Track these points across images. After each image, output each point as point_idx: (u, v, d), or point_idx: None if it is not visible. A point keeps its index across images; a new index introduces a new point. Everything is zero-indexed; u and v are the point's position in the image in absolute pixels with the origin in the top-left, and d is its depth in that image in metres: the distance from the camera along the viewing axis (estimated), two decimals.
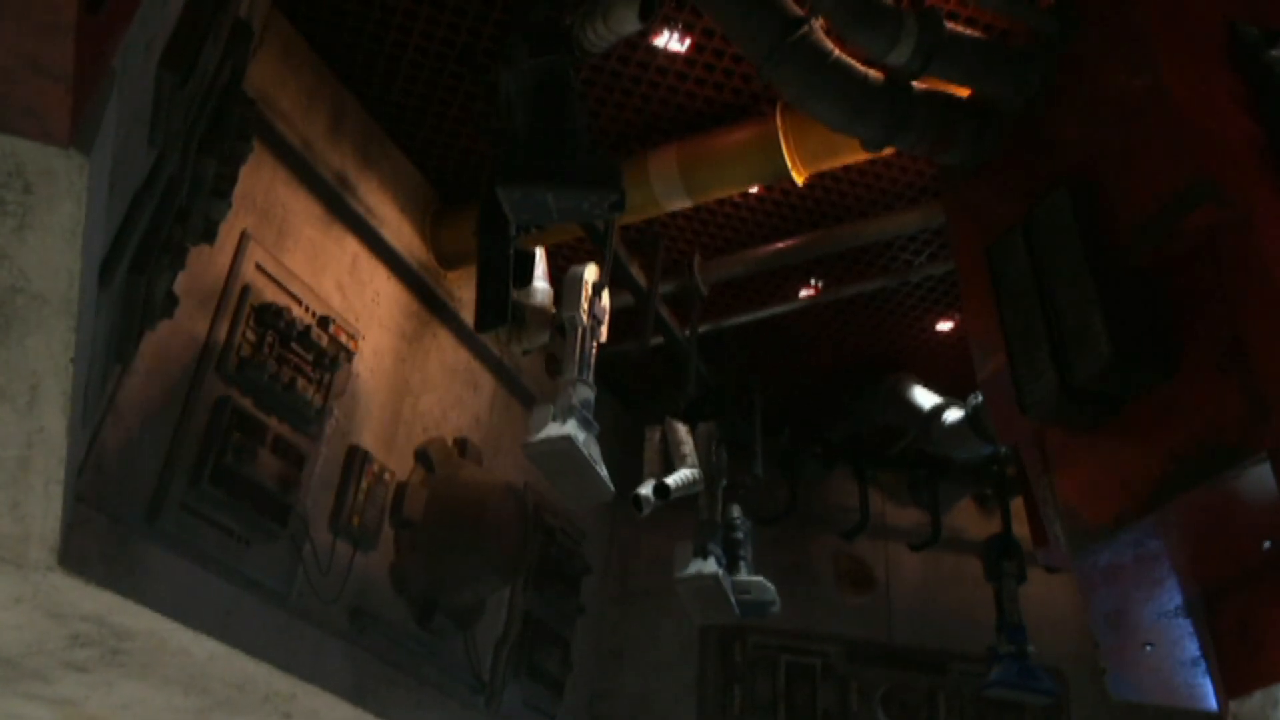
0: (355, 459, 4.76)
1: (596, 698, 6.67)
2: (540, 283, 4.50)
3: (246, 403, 4.14)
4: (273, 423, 4.25)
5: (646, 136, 5.09)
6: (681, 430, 5.20)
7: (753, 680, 6.80)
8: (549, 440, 3.87)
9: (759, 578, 5.49)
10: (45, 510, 2.95)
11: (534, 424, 3.95)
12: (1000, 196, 3.84)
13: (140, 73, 2.31)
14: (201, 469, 3.91)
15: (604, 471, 4.02)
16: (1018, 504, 6.67)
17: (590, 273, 4.31)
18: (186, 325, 3.95)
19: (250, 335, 4.21)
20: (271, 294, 4.37)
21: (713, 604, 5.14)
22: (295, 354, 4.38)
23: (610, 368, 4.34)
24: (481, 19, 4.52)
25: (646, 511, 4.73)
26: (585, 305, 4.21)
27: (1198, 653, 3.37)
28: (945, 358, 6.67)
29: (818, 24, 3.71)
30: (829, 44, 3.72)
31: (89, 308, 2.40)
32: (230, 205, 3.72)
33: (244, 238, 4.26)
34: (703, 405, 5.65)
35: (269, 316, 4.28)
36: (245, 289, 4.23)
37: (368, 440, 4.88)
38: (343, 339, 4.67)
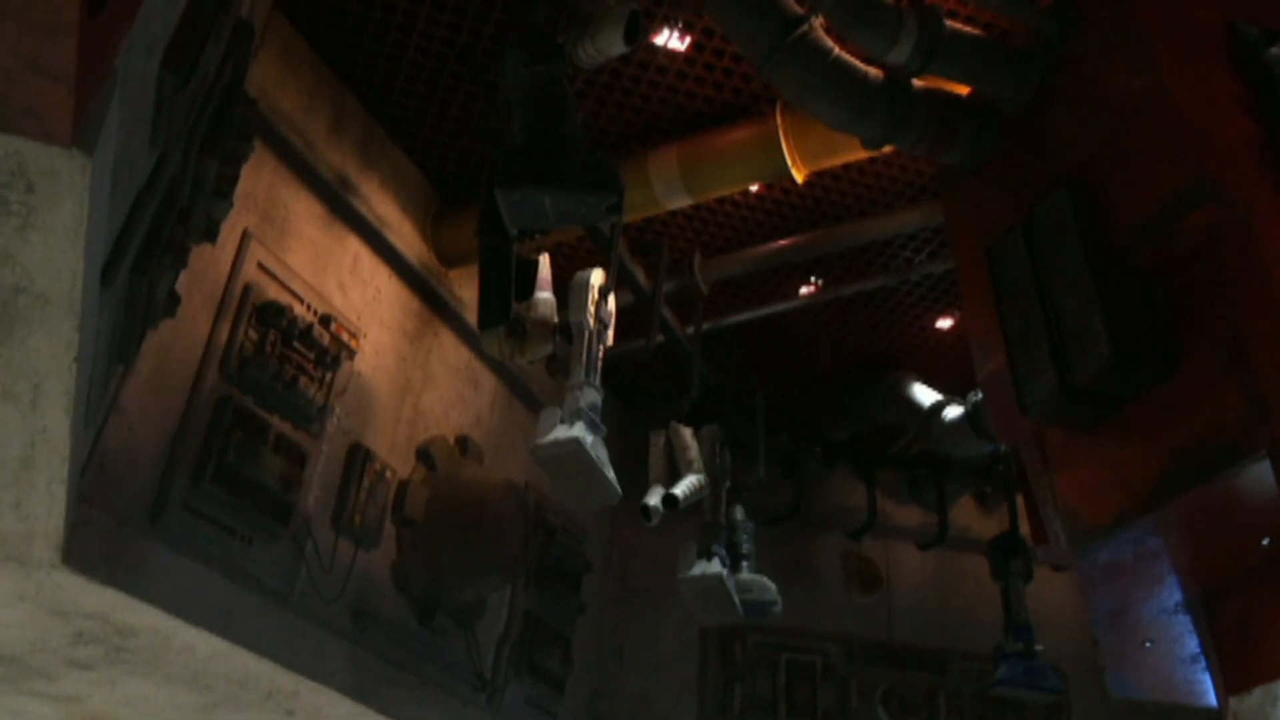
0: (357, 458, 4.77)
1: (597, 696, 6.68)
2: (542, 293, 4.51)
3: (248, 402, 4.15)
4: (275, 421, 4.26)
5: (646, 136, 5.09)
6: (686, 435, 5.25)
7: (753, 679, 6.81)
8: (557, 443, 3.88)
9: (761, 577, 5.52)
10: (49, 509, 2.97)
11: (541, 427, 3.97)
12: (1000, 196, 3.84)
13: (142, 73, 2.32)
14: (204, 468, 3.92)
15: (611, 474, 4.04)
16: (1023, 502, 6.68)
17: (596, 277, 4.34)
18: (189, 325, 3.96)
19: (252, 334, 4.22)
20: (273, 293, 4.38)
21: (716, 604, 5.18)
22: (297, 353, 4.39)
23: (611, 367, 4.34)
24: (482, 19, 4.53)
25: (655, 521, 4.81)
26: (592, 309, 4.23)
27: (1197, 650, 3.38)
28: (945, 356, 6.68)
29: (817, 22, 3.72)
30: (829, 42, 3.73)
31: (91, 307, 2.41)
32: (232, 205, 3.73)
33: (246, 237, 4.27)
34: (706, 407, 5.68)
35: (271, 315, 4.29)
36: (247, 288, 4.24)
37: (369, 439, 4.89)
38: (344, 338, 4.68)
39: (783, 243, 5.66)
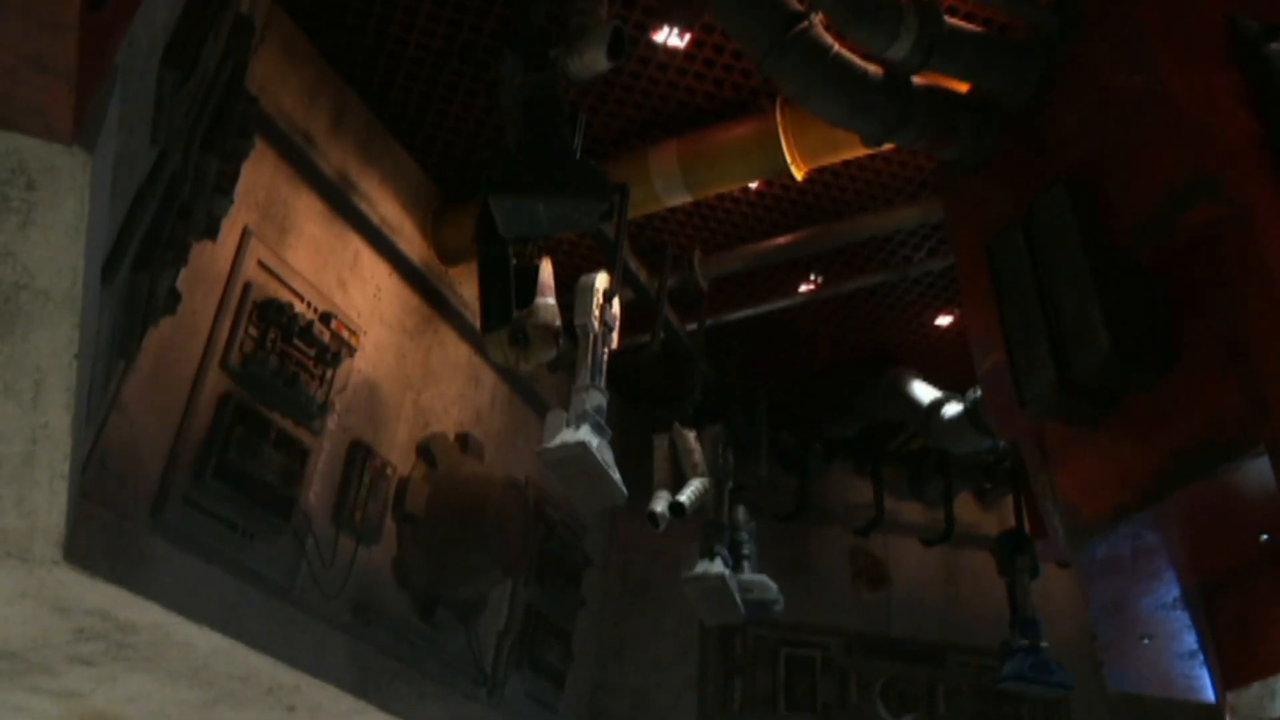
0: (357, 454, 4.78)
1: (598, 690, 6.70)
2: (543, 299, 4.55)
3: (249, 398, 4.16)
4: (276, 418, 4.26)
5: (647, 132, 5.09)
6: (690, 438, 5.33)
7: (753, 673, 6.83)
8: (563, 446, 3.94)
9: (762, 577, 5.56)
10: (50, 505, 2.97)
11: (548, 430, 4.03)
12: (1000, 193, 3.84)
13: (142, 70, 2.32)
14: (205, 464, 3.93)
15: (617, 476, 4.10)
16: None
17: (601, 281, 4.39)
18: (189, 322, 3.96)
19: (253, 331, 4.23)
20: (274, 290, 4.38)
21: (719, 604, 5.24)
22: (298, 350, 4.40)
23: (611, 364, 4.37)
24: (482, 16, 4.53)
25: (662, 528, 4.90)
26: (596, 313, 4.27)
27: (1195, 645, 3.39)
28: (944, 352, 6.68)
29: (817, 19, 3.72)
30: (829, 39, 3.73)
31: (92, 304, 2.41)
32: (232, 202, 3.73)
33: (246, 234, 4.27)
34: (709, 407, 5.73)
35: (271, 313, 4.30)
36: (248, 285, 4.24)
37: (370, 435, 4.90)
38: (345, 335, 4.69)
39: (782, 239, 5.66)
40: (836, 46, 3.73)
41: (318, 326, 4.53)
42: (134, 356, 3.64)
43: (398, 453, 5.10)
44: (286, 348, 4.35)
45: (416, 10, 4.55)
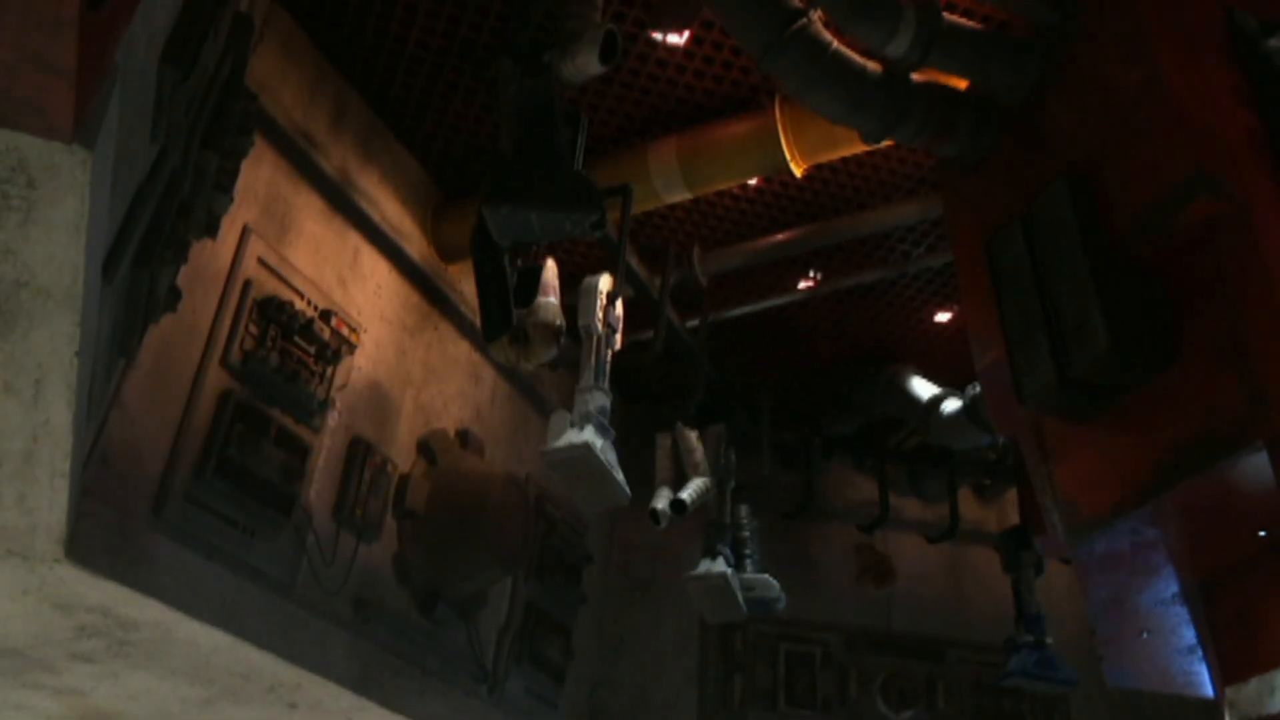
0: (358, 451, 4.78)
1: (598, 686, 6.71)
2: (543, 298, 4.57)
3: (250, 396, 4.16)
4: (276, 415, 4.27)
5: (646, 129, 5.10)
6: (692, 437, 5.37)
7: (753, 669, 6.84)
8: (568, 447, 3.98)
9: (765, 575, 5.59)
10: (51, 503, 2.98)
11: (552, 431, 4.06)
12: (999, 189, 3.85)
13: (142, 68, 2.33)
14: (206, 461, 3.94)
15: (620, 477, 4.13)
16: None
17: (605, 283, 4.43)
18: (189, 319, 3.97)
19: (253, 329, 4.23)
20: (274, 288, 4.39)
21: (722, 602, 5.28)
22: (298, 347, 4.41)
23: (613, 364, 4.39)
24: (482, 13, 4.53)
25: (664, 525, 4.93)
26: (600, 314, 4.30)
27: (1194, 640, 3.40)
28: (943, 349, 6.69)
29: (816, 16, 3.72)
30: (828, 36, 3.73)
31: (93, 302, 2.42)
32: (232, 199, 3.74)
33: (246, 232, 4.28)
34: (711, 406, 5.76)
35: (271, 310, 4.30)
36: (248, 283, 4.25)
37: (370, 432, 4.91)
38: (345, 332, 4.69)
39: (781, 236, 5.67)
40: (835, 43, 3.74)
41: (318, 324, 4.53)
42: (135, 354, 3.64)
43: (398, 449, 5.11)
44: (287, 345, 4.35)
45: (416, 8, 4.55)
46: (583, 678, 6.50)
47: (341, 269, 4.87)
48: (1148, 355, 3.02)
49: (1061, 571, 6.78)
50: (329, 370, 4.56)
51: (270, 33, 4.42)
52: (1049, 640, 5.98)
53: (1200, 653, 3.41)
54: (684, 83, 4.84)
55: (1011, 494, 7.65)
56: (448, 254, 5.59)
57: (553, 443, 4.00)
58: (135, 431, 3.70)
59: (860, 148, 4.63)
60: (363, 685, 4.53)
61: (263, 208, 4.41)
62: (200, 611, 3.74)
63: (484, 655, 5.43)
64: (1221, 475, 2.80)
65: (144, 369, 3.75)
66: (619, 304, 4.47)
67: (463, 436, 5.58)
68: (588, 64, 3.78)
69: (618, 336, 4.44)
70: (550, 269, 4.66)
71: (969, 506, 7.63)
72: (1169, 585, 3.34)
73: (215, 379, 4.06)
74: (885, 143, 4.16)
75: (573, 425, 4.03)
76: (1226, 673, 3.10)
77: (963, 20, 3.80)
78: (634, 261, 5.59)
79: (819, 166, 5.09)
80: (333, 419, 4.62)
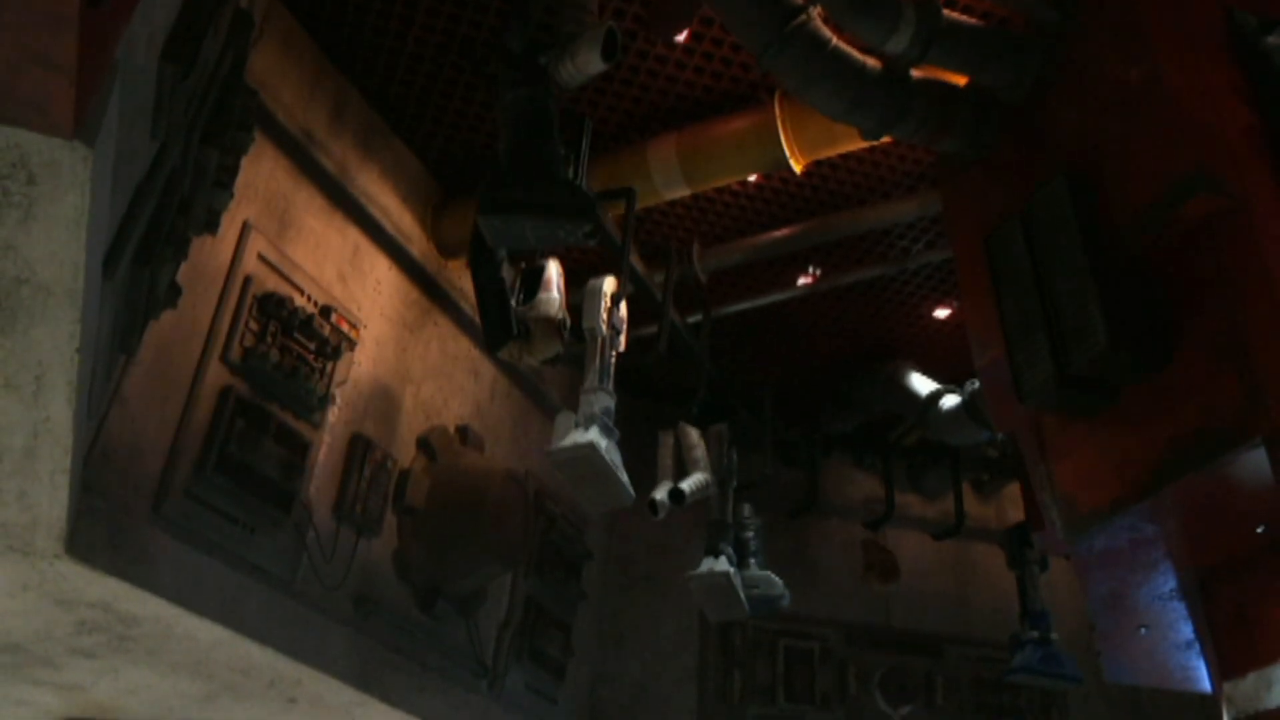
0: (358, 447, 4.79)
1: (598, 682, 6.72)
2: (545, 293, 4.60)
3: (250, 392, 4.17)
4: (276, 411, 4.27)
5: (646, 126, 5.09)
6: (694, 435, 5.41)
7: (752, 664, 6.86)
8: (573, 448, 4.02)
9: (767, 573, 5.62)
10: (52, 499, 2.98)
11: (557, 431, 4.11)
12: (998, 186, 3.85)
13: (142, 65, 2.33)
14: (206, 457, 3.94)
15: (625, 477, 4.17)
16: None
17: (609, 284, 4.46)
18: (190, 315, 3.97)
19: (253, 325, 4.24)
20: (274, 284, 4.39)
21: (724, 601, 5.32)
22: (298, 343, 4.41)
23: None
24: (482, 9, 4.52)
25: (661, 515, 4.98)
26: (605, 316, 4.33)
27: (1192, 635, 3.41)
28: (943, 345, 6.69)
29: (816, 12, 3.72)
30: (827, 32, 3.73)
31: (93, 298, 2.42)
32: (232, 196, 3.74)
33: (246, 228, 4.28)
34: (714, 405, 5.80)
35: (271, 306, 4.30)
36: (248, 279, 4.25)
37: (370, 428, 4.91)
38: (345, 328, 4.70)
39: (781, 233, 5.67)
40: (835, 40, 3.74)
41: (318, 320, 4.53)
42: (135, 350, 3.64)
43: (398, 446, 5.11)
44: (287, 341, 4.36)
45: (416, 5, 4.54)
46: (582, 673, 6.51)
47: (341, 265, 4.87)
48: (1147, 353, 3.03)
49: (1060, 567, 6.79)
50: (329, 366, 4.56)
51: (270, 30, 4.42)
52: (1054, 636, 5.99)
53: (1198, 648, 3.43)
54: (684, 79, 4.84)
55: (1010, 490, 7.67)
56: (447, 250, 5.59)
57: (558, 443, 4.05)
58: (136, 428, 3.71)
59: (860, 144, 4.63)
60: (363, 681, 4.54)
61: (263, 204, 4.41)
62: (200, 607, 3.75)
63: (484, 651, 5.44)
64: (1220, 471, 2.81)
65: (144, 365, 3.75)
66: (623, 305, 4.50)
67: (463, 433, 5.59)
68: (589, 63, 3.79)
69: (622, 338, 4.48)
70: (553, 266, 4.69)
71: (968, 502, 7.64)
72: (1167, 581, 3.35)
73: (215, 375, 4.06)
74: (884, 139, 4.16)
75: (578, 426, 4.08)
76: (1224, 668, 3.11)
77: (962, 17, 3.81)
78: (634, 258, 5.59)
79: (818, 163, 5.09)
80: (333, 415, 4.63)
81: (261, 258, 4.34)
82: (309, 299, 4.55)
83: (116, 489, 3.58)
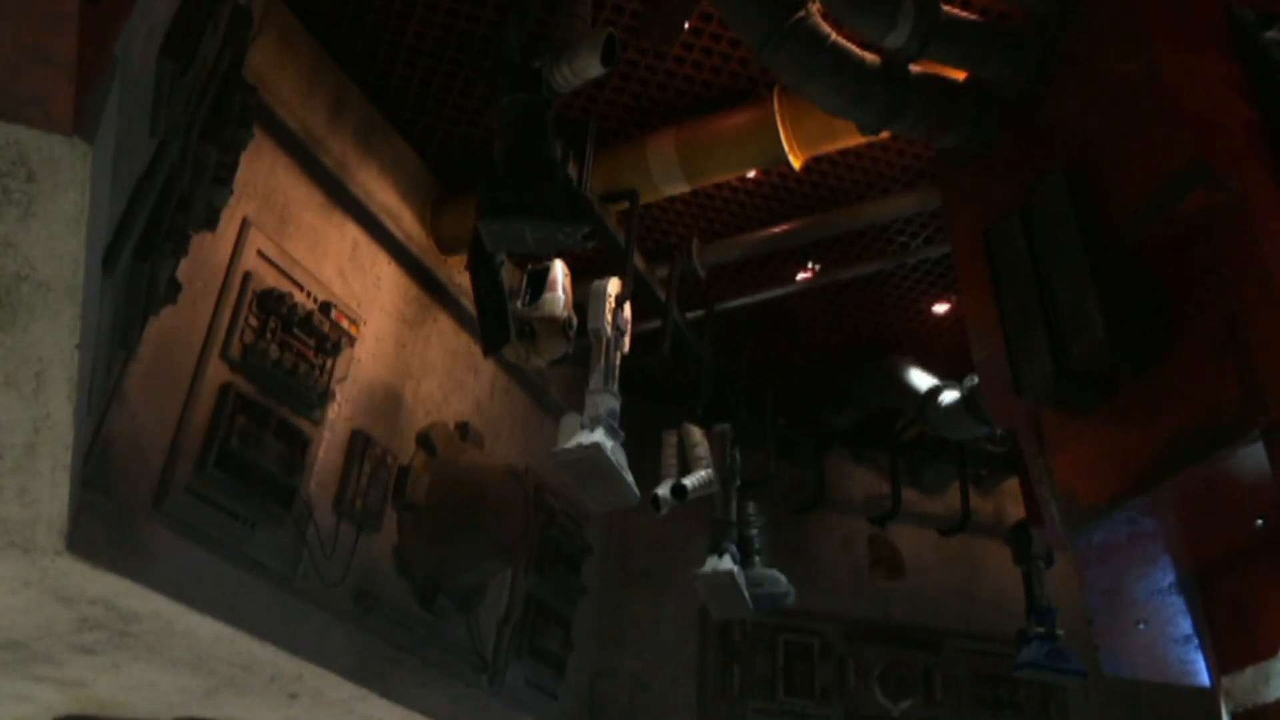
0: (358, 443, 4.79)
1: (598, 677, 6.74)
2: (550, 293, 4.62)
3: (250, 388, 4.17)
4: (276, 407, 4.28)
5: (645, 121, 5.09)
6: (697, 433, 5.45)
7: (752, 659, 6.87)
8: (578, 449, 4.06)
9: (772, 571, 5.65)
10: (52, 495, 2.99)
11: (562, 433, 4.15)
12: (997, 181, 3.85)
13: (142, 61, 2.33)
14: (206, 454, 3.95)
15: (630, 477, 4.21)
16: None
17: (613, 286, 4.49)
18: (190, 312, 3.97)
19: (253, 321, 4.24)
20: (273, 280, 4.39)
21: (728, 600, 5.35)
22: (298, 339, 4.41)
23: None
24: (480, 4, 4.52)
25: (664, 511, 5.05)
26: (609, 317, 4.35)
27: (1190, 630, 3.42)
28: (941, 340, 6.70)
29: (814, 8, 3.72)
30: (826, 28, 3.73)
31: (93, 295, 2.43)
32: (232, 192, 3.74)
33: (245, 224, 4.28)
34: (716, 404, 5.84)
35: (271, 303, 4.30)
36: (247, 275, 4.25)
37: (370, 424, 4.91)
38: (344, 324, 4.70)
39: (780, 228, 5.66)
40: (834, 35, 3.73)
41: (317, 316, 4.54)
42: (135, 347, 3.65)
43: (398, 442, 5.12)
44: (287, 337, 4.36)
45: None
46: (582, 668, 6.52)
47: (341, 261, 4.87)
48: (1145, 347, 3.03)
49: (1059, 561, 6.81)
50: (329, 363, 4.57)
51: (269, 25, 4.41)
52: (1060, 632, 6.01)
53: (1197, 642, 3.43)
54: (683, 74, 4.84)
55: (1009, 485, 7.68)
56: (447, 246, 5.59)
57: (564, 444, 4.09)
58: (136, 424, 3.71)
59: (859, 140, 4.63)
60: (363, 676, 4.55)
61: (262, 200, 4.41)
62: (201, 603, 3.75)
63: (484, 646, 5.45)
64: (1219, 465, 2.82)
65: (144, 362, 3.76)
66: (627, 307, 4.52)
67: (462, 429, 5.59)
68: (587, 67, 3.80)
69: (626, 339, 4.51)
70: (558, 266, 4.70)
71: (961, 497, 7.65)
72: (1166, 575, 3.36)
73: (215, 371, 4.07)
74: (883, 135, 4.16)
75: (583, 427, 4.12)
76: (1223, 662, 3.12)
77: (961, 12, 3.80)
78: (637, 259, 5.59)
79: (817, 158, 5.08)
80: (333, 411, 4.63)
81: (261, 254, 4.35)
82: (309, 295, 4.56)
83: (117, 485, 3.59)
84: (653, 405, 6.61)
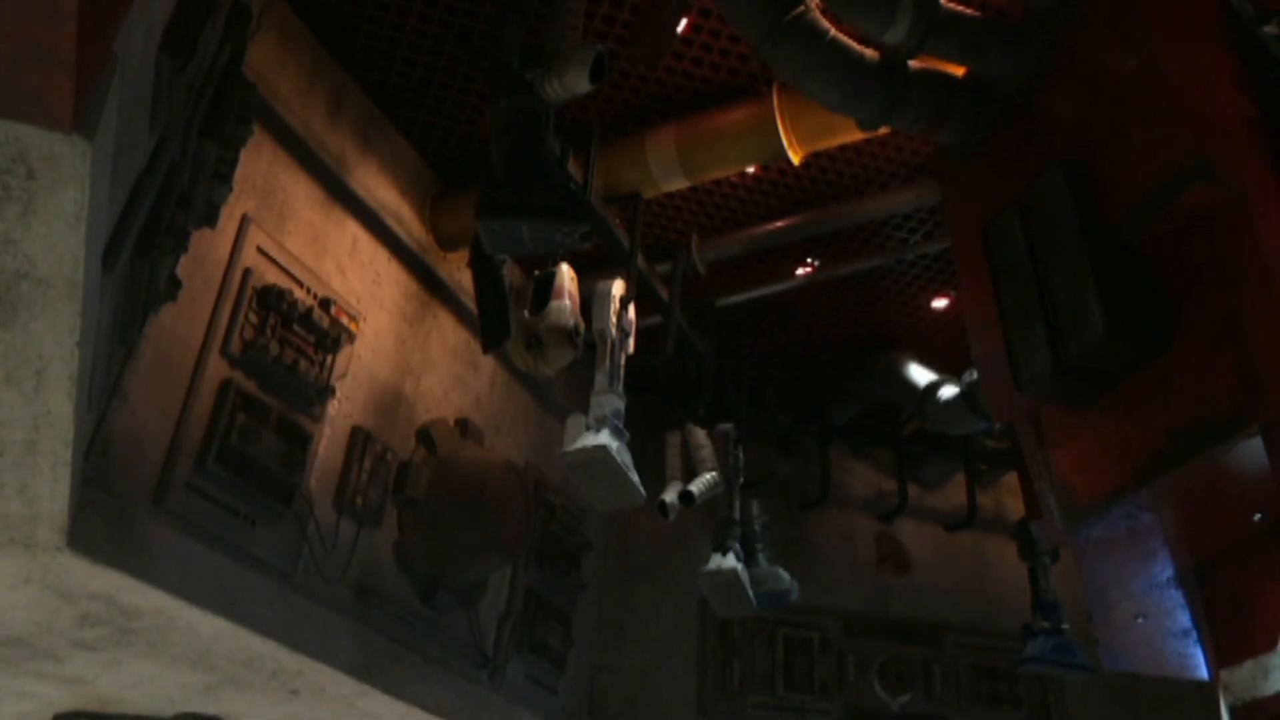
0: (358, 439, 4.79)
1: (598, 672, 6.75)
2: (556, 301, 4.62)
3: (250, 385, 4.17)
4: (276, 404, 4.28)
5: (644, 117, 5.09)
6: (700, 435, 5.48)
7: (751, 654, 6.88)
8: (584, 450, 4.08)
9: (776, 568, 5.67)
10: (53, 492, 2.99)
11: (568, 434, 4.17)
12: (996, 176, 3.85)
13: (141, 57, 2.33)
14: (207, 450, 3.95)
15: (635, 478, 4.23)
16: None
17: (618, 287, 4.51)
18: (189, 309, 3.97)
19: (253, 318, 4.24)
20: (273, 277, 4.39)
21: (732, 598, 5.38)
22: (297, 336, 4.41)
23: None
24: (478, 0, 4.51)
25: (672, 517, 5.10)
26: (614, 319, 4.37)
27: (1189, 623, 3.43)
28: (940, 335, 6.70)
29: (814, 3, 3.72)
30: (825, 23, 3.73)
31: (93, 292, 2.43)
32: (231, 189, 3.74)
33: (245, 221, 4.27)
34: (718, 403, 5.86)
35: (271, 299, 4.30)
36: (247, 272, 4.25)
37: (370, 420, 4.92)
38: (344, 321, 4.70)
39: (779, 224, 5.66)
40: (833, 31, 3.73)
41: (317, 312, 4.54)
42: (135, 344, 3.65)
43: (398, 438, 5.12)
44: (286, 334, 4.36)
45: None
46: (583, 663, 6.54)
47: (340, 258, 4.87)
48: (1144, 342, 3.04)
49: (1065, 557, 6.82)
50: (329, 359, 4.57)
51: (268, 22, 4.41)
52: (1065, 626, 6.02)
53: (1195, 636, 3.44)
54: (682, 70, 4.84)
55: (1008, 480, 7.69)
56: (446, 242, 5.58)
57: (569, 445, 4.11)
58: (136, 421, 3.71)
59: (858, 135, 4.63)
60: (364, 672, 4.56)
61: (261, 197, 4.41)
62: (202, 599, 3.76)
63: (484, 642, 5.46)
64: (1217, 460, 2.82)
65: (145, 358, 3.76)
66: (631, 308, 4.53)
67: (462, 425, 5.60)
68: (575, 82, 3.83)
69: (630, 340, 4.52)
70: (564, 272, 4.71)
71: (966, 493, 7.66)
72: (1165, 569, 3.37)
73: (215, 368, 4.07)
74: (882, 130, 4.16)
75: (589, 429, 4.14)
76: (1221, 656, 3.13)
77: (960, 8, 3.80)
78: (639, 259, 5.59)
79: (817, 154, 5.08)
80: (333, 408, 4.63)
81: (261, 250, 4.34)
82: (308, 292, 4.56)
83: (117, 482, 3.59)
84: (654, 400, 6.61)
